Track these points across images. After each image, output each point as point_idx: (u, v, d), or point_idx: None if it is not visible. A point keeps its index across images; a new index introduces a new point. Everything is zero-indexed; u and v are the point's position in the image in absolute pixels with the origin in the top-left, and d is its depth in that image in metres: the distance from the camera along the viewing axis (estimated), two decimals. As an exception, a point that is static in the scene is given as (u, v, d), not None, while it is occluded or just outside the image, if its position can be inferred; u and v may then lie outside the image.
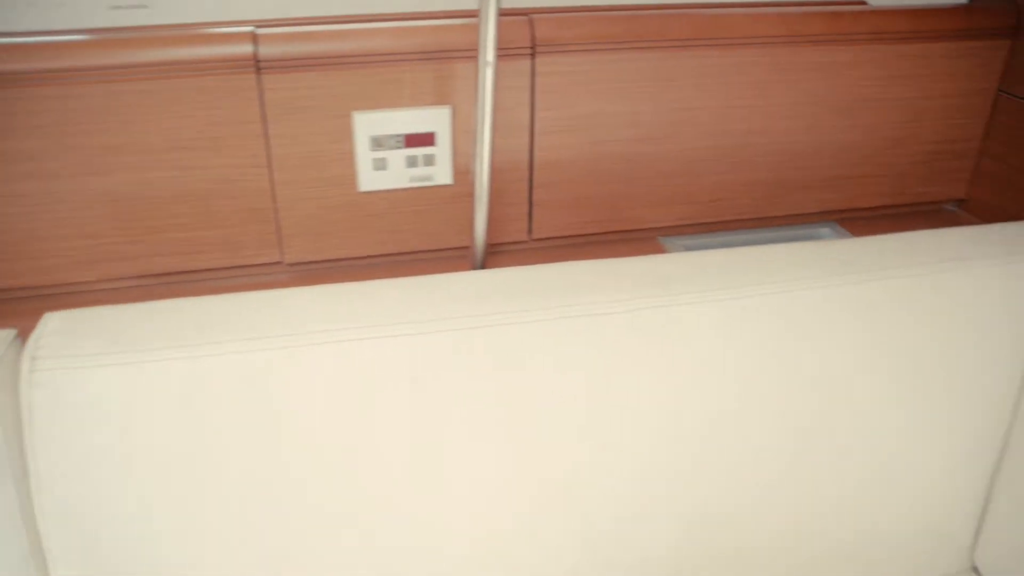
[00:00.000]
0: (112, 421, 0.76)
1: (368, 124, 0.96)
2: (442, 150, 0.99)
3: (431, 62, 0.95)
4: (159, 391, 0.76)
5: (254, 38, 0.89)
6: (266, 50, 0.89)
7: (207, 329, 0.79)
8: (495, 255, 1.08)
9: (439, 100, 0.97)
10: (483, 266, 1.01)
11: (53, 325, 0.78)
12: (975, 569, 1.14)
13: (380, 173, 0.99)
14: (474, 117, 0.90)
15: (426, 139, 0.98)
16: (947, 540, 1.10)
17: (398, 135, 0.97)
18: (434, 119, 0.98)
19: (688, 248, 1.13)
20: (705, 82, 1.05)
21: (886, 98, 1.13)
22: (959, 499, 1.07)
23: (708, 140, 1.08)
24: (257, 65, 0.90)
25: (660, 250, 1.11)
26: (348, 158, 0.98)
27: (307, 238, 1.01)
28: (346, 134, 0.96)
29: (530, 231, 1.08)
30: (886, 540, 1.05)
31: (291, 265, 1.04)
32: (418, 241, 1.05)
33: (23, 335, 0.78)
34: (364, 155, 0.98)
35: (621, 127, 1.04)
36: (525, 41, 0.96)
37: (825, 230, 1.20)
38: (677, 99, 1.05)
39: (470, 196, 0.96)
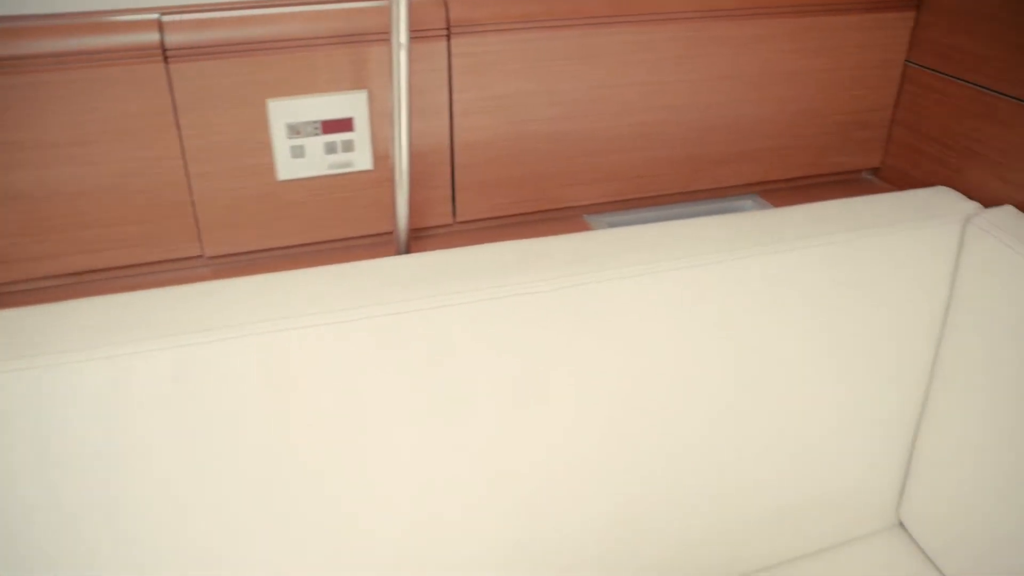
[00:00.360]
0: (24, 428, 0.74)
1: (284, 111, 0.94)
2: (360, 135, 0.98)
3: (345, 46, 0.93)
4: (74, 395, 0.74)
5: (160, 25, 0.86)
6: (173, 38, 0.87)
7: (125, 328, 0.77)
8: (420, 240, 1.08)
9: (355, 84, 0.96)
10: (407, 251, 1.00)
11: None
12: (901, 524, 1.17)
13: (298, 161, 0.97)
14: (390, 101, 0.89)
15: (344, 125, 0.97)
16: (873, 498, 1.13)
17: (315, 121, 0.96)
18: (351, 104, 0.96)
19: (613, 225, 1.14)
20: (623, 59, 1.05)
21: (800, 71, 1.15)
22: (883, 459, 1.10)
23: (629, 117, 1.09)
24: (164, 54, 0.87)
25: (586, 228, 1.12)
26: (265, 147, 0.96)
27: (227, 230, 0.99)
28: (261, 122, 0.94)
29: (454, 214, 1.08)
30: (815, 502, 1.08)
31: (212, 258, 1.01)
32: (341, 229, 1.03)
33: None
34: (281, 143, 0.96)
35: (541, 106, 1.04)
36: (440, 22, 0.95)
37: (747, 202, 1.22)
38: (596, 77, 1.05)
39: (391, 181, 0.96)
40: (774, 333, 0.97)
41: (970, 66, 1.10)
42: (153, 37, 0.86)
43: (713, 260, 0.92)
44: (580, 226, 1.12)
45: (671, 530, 1.02)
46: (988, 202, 1.09)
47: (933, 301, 1.04)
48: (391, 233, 1.06)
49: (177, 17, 0.87)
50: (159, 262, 0.99)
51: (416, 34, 0.95)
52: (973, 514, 1.02)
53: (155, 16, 0.86)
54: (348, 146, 0.98)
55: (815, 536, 1.12)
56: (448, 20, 0.96)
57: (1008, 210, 1.03)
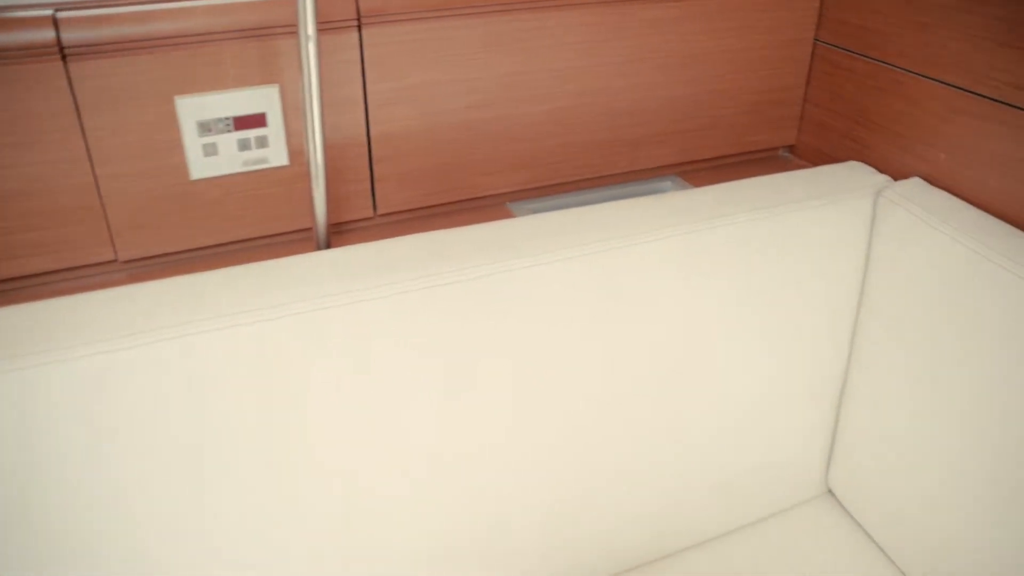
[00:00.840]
0: None
1: (193, 109, 0.92)
2: (274, 131, 0.96)
3: (253, 40, 0.92)
4: None
5: (55, 22, 0.83)
6: (70, 35, 0.84)
7: (38, 337, 0.74)
8: (341, 234, 1.06)
9: (266, 79, 0.94)
10: (328, 247, 0.99)
11: None
12: (830, 492, 1.21)
13: (211, 159, 0.95)
14: (301, 95, 0.87)
15: (256, 120, 0.95)
16: (803, 468, 1.16)
17: (226, 118, 0.94)
18: (263, 99, 0.95)
19: (535, 211, 1.14)
20: (537, 45, 1.05)
21: (712, 51, 1.16)
22: (810, 429, 1.13)
23: (546, 103, 1.09)
24: (62, 52, 0.84)
25: (508, 216, 1.12)
26: (176, 146, 0.93)
27: (141, 233, 0.96)
28: (171, 121, 0.92)
29: (375, 207, 1.07)
30: (747, 474, 1.10)
31: (126, 263, 0.99)
32: (259, 227, 1.02)
33: None
34: (192, 141, 0.94)
35: (458, 95, 1.04)
36: (350, 13, 0.94)
37: (667, 183, 1.23)
38: (511, 63, 1.05)
39: (308, 176, 0.94)
40: (698, 311, 0.98)
41: (874, 43, 1.13)
42: (48, 35, 0.83)
43: (634, 241, 0.93)
44: (503, 214, 1.12)
45: (609, 510, 1.03)
46: (897, 175, 1.12)
47: (850, 272, 1.06)
48: (311, 229, 1.05)
49: (73, 13, 0.84)
50: (72, 268, 0.96)
51: (326, 26, 0.94)
52: (898, 478, 1.05)
53: (49, 12, 0.83)
54: (262, 142, 0.97)
55: (749, 508, 1.14)
56: (359, 10, 0.94)
57: (916, 182, 1.06)
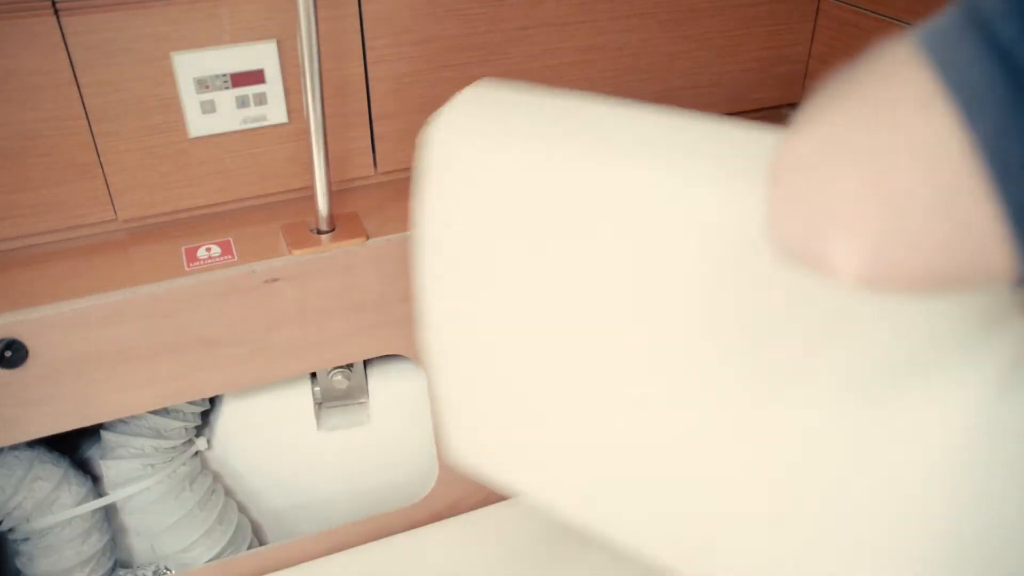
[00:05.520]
0: None
1: (190, 65, 0.91)
2: (273, 87, 0.95)
3: (250, -6, 0.90)
4: None
5: None
6: (62, -11, 0.83)
7: None
8: (342, 193, 1.06)
9: (263, 35, 0.93)
10: (329, 206, 0.98)
11: None
12: None
13: (210, 117, 0.94)
14: (299, 51, 0.86)
15: (254, 77, 0.94)
16: None
17: (223, 75, 0.93)
18: (260, 55, 0.93)
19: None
20: (527, 2, 1.03)
21: (716, 7, 1.14)
22: None
23: (546, 59, 1.08)
24: (54, 5, 0.83)
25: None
26: (174, 103, 0.92)
27: (141, 192, 0.96)
28: (168, 77, 0.91)
29: (375, 165, 1.06)
30: None
31: (126, 222, 0.98)
32: (259, 185, 1.01)
33: None
34: (190, 98, 0.93)
35: (454, 50, 1.02)
36: (349, -34, 0.93)
37: (669, 143, 1.22)
38: (507, 18, 1.03)
39: (307, 134, 0.93)
40: None
41: (881, -2, 1.11)
42: None
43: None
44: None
45: None
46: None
47: None
48: (311, 187, 1.04)
49: None
50: (70, 228, 0.96)
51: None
52: None
53: None
54: (260, 99, 0.96)
55: None
56: (356, -36, 0.93)
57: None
